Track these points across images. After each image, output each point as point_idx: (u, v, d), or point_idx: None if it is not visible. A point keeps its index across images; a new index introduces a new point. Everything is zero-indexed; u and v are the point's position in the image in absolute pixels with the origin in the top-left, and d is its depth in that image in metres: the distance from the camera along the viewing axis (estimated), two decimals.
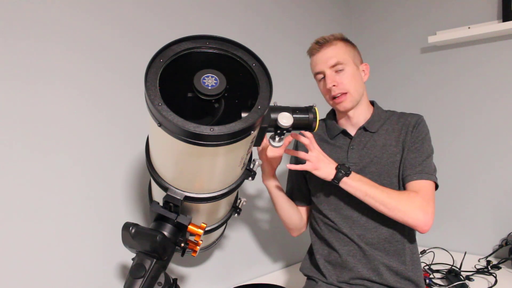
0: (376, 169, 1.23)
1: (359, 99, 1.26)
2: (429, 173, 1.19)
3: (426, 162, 1.21)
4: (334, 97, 1.24)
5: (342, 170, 1.13)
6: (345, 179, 1.14)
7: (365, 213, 1.23)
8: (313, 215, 1.37)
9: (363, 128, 1.28)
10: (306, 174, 1.36)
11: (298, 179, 1.41)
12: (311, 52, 1.28)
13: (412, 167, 1.20)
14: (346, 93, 1.23)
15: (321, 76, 1.26)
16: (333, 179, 1.14)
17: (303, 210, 1.41)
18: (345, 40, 1.28)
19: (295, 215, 1.37)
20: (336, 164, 1.15)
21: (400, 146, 1.24)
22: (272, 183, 1.31)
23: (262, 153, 1.25)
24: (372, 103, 1.35)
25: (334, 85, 1.22)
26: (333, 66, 1.22)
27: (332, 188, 1.26)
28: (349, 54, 1.25)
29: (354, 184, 1.14)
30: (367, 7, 2.19)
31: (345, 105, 1.24)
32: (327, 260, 1.29)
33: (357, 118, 1.29)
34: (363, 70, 1.30)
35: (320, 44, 1.25)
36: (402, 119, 1.28)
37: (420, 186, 1.17)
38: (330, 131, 1.35)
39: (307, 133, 1.13)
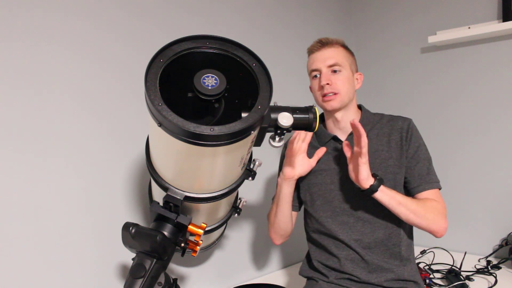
0: None
1: (347, 102, 1.27)
2: (437, 180, 1.24)
3: (431, 170, 1.24)
4: (324, 95, 1.25)
5: (379, 177, 1.13)
6: (382, 187, 1.13)
7: (361, 218, 1.23)
8: (308, 224, 1.36)
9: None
10: (300, 181, 1.34)
11: None
12: (311, 50, 1.30)
13: (421, 177, 1.22)
14: (337, 93, 1.24)
15: (316, 73, 1.27)
16: (370, 187, 1.12)
17: (293, 215, 1.39)
18: (345, 47, 1.31)
19: (290, 223, 1.35)
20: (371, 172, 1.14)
21: (393, 152, 1.24)
22: (288, 187, 1.28)
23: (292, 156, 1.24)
24: (360, 107, 1.35)
25: (327, 83, 1.23)
26: (331, 66, 1.24)
27: (327, 195, 1.27)
28: (347, 60, 1.27)
29: (390, 192, 1.14)
30: (367, 7, 2.19)
31: (333, 104, 1.24)
32: (325, 264, 1.30)
33: (345, 122, 1.29)
34: (357, 79, 1.31)
35: (322, 43, 1.27)
36: (392, 122, 1.29)
37: (434, 195, 1.22)
38: (320, 137, 1.34)
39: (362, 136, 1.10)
